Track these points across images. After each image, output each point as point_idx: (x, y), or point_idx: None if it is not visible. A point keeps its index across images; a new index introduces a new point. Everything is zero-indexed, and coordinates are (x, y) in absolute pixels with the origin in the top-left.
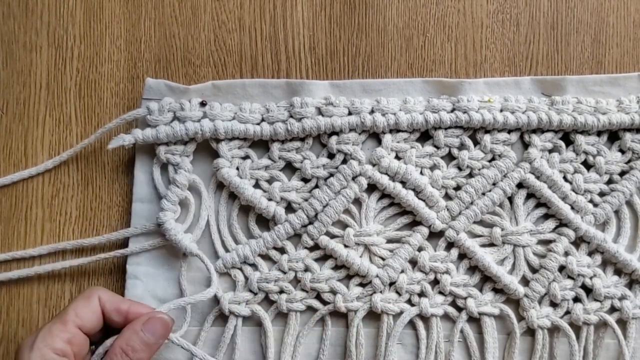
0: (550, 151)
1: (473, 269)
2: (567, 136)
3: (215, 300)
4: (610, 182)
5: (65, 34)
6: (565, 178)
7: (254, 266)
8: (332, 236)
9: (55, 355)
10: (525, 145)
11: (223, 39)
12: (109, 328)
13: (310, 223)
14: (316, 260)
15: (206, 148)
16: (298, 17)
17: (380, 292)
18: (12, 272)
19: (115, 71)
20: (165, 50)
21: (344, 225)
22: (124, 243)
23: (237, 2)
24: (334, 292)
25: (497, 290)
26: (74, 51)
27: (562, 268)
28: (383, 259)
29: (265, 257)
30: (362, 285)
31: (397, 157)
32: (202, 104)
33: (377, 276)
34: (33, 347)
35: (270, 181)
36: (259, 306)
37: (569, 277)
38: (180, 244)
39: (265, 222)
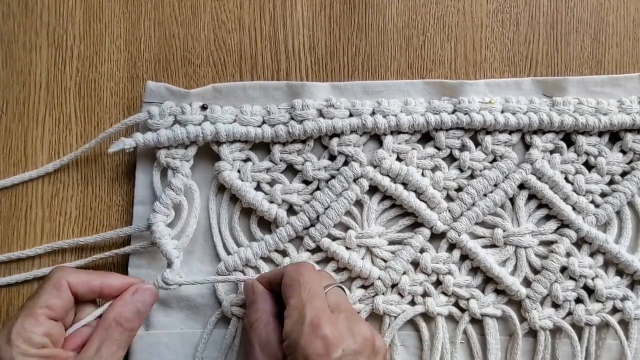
0: (552, 152)
1: (475, 270)
2: (568, 137)
3: (218, 302)
4: (612, 183)
5: (65, 34)
6: (567, 179)
7: (256, 269)
8: (334, 238)
9: (36, 350)
10: (527, 147)
11: (223, 39)
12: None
13: (312, 225)
14: (318, 262)
15: (207, 152)
16: (298, 17)
17: (383, 294)
18: (11, 276)
19: (115, 71)
20: (165, 50)
21: (346, 228)
22: (123, 243)
23: (237, 2)
24: None
25: (500, 292)
26: (74, 51)
27: (564, 269)
28: (385, 261)
29: (268, 259)
30: (364, 287)
31: (399, 159)
32: (203, 108)
33: (379, 278)
34: (11, 344)
35: (271, 184)
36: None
37: (571, 278)
38: (162, 248)
39: (267, 224)
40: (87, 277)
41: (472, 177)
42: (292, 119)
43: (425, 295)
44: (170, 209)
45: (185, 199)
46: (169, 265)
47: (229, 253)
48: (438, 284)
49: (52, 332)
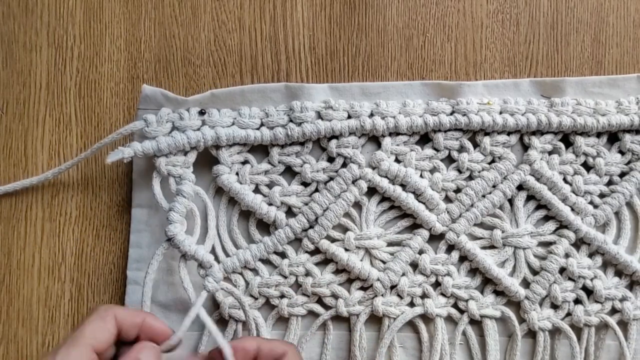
0: (550, 153)
1: (474, 271)
2: (566, 138)
3: (216, 304)
4: (610, 183)
5: (65, 34)
6: (565, 180)
7: (255, 271)
8: (333, 240)
9: None
10: (525, 147)
11: (223, 39)
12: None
13: (311, 227)
14: (317, 264)
15: (204, 155)
16: (298, 17)
17: (382, 295)
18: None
19: (115, 71)
20: (165, 50)
21: (345, 229)
22: (124, 245)
23: (237, 2)
24: (335, 296)
25: (498, 293)
26: (74, 51)
27: (562, 270)
28: (384, 262)
29: (266, 261)
30: (363, 289)
31: (397, 160)
32: (201, 113)
33: (378, 280)
34: None
35: (270, 186)
36: (258, 312)
37: (570, 278)
38: (196, 255)
39: (266, 226)
40: (132, 313)
41: (470, 178)
42: (291, 120)
43: (424, 296)
44: (184, 216)
45: (194, 204)
46: (203, 267)
47: (227, 255)
48: (437, 285)
49: None
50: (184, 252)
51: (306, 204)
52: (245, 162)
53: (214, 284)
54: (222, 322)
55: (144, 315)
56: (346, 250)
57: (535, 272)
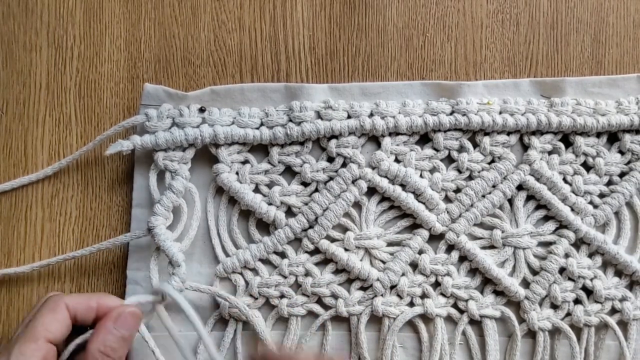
0: (550, 153)
1: (474, 271)
2: (566, 138)
3: (216, 304)
4: (610, 183)
5: (65, 34)
6: (565, 180)
7: (255, 271)
8: (333, 240)
9: None
10: (525, 147)
11: (223, 39)
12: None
13: (311, 227)
14: (317, 264)
15: (205, 154)
16: (298, 17)
17: (382, 295)
18: (11, 268)
19: (115, 71)
20: (165, 50)
21: (344, 229)
22: (124, 245)
23: (237, 2)
24: (335, 296)
25: (498, 293)
26: (74, 51)
27: (562, 270)
28: (384, 262)
29: (266, 261)
30: (363, 289)
31: (397, 160)
32: (201, 110)
33: (377, 280)
34: None
35: (270, 185)
36: (258, 312)
37: (570, 279)
38: (167, 251)
39: (266, 226)
40: (84, 299)
41: (470, 178)
42: (290, 120)
43: (424, 296)
44: (170, 211)
45: (184, 201)
46: (172, 265)
47: (227, 255)
48: (436, 285)
49: (49, 355)
50: (158, 245)
51: (306, 204)
52: (245, 162)
53: (180, 284)
54: (223, 322)
55: (96, 297)
56: (346, 250)
57: (535, 272)
